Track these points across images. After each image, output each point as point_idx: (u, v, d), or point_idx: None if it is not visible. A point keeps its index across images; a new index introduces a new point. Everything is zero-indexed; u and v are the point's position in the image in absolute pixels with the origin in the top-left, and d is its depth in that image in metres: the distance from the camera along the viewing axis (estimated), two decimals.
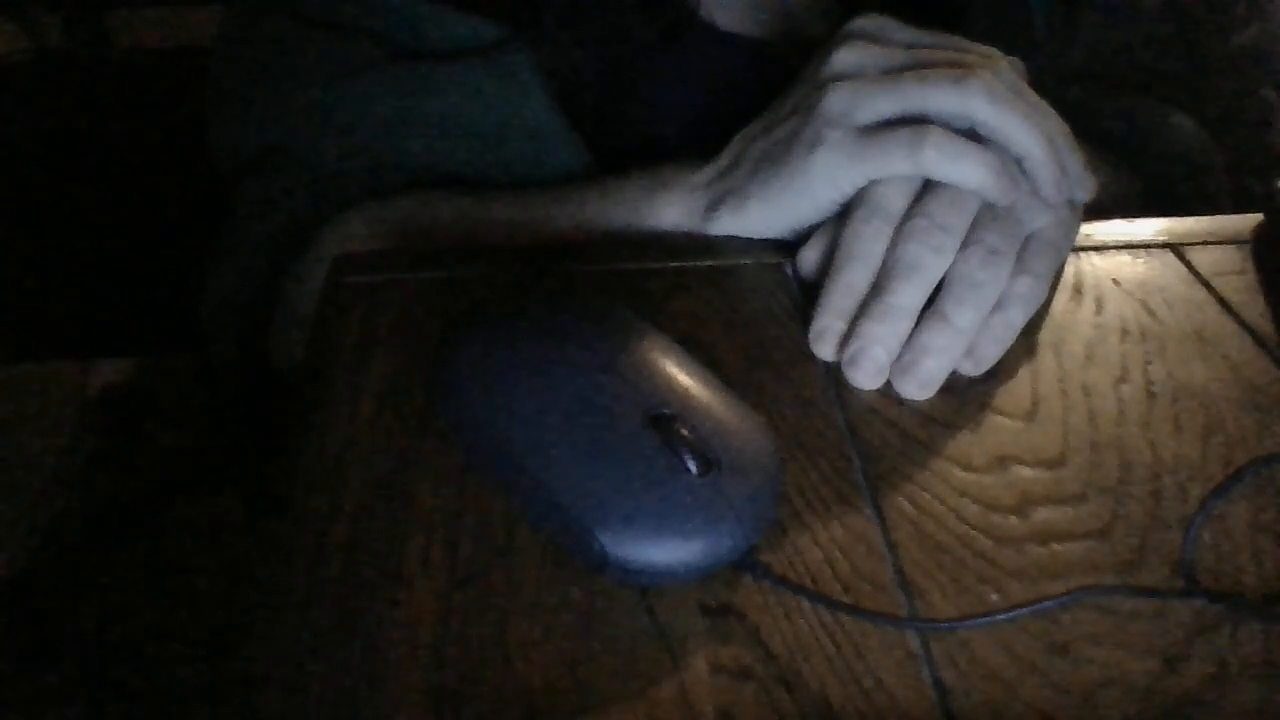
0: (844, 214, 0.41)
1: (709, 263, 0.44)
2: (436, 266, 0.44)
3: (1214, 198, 0.57)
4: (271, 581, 0.31)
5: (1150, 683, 0.29)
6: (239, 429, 0.43)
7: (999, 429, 0.37)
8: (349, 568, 0.31)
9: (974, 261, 0.38)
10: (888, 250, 0.39)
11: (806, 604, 0.30)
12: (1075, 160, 0.41)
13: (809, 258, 0.42)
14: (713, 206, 0.44)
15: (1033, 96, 0.41)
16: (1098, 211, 0.45)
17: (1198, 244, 0.46)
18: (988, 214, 0.39)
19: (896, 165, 0.39)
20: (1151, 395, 0.38)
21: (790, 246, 0.44)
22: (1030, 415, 0.37)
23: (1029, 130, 0.39)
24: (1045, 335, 0.41)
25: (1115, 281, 0.44)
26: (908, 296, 0.38)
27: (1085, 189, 0.42)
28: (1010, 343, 0.39)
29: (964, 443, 0.36)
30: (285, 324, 0.52)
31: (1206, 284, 0.44)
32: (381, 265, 0.44)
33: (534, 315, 0.35)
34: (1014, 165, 0.40)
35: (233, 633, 0.30)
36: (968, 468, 0.35)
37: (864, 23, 0.43)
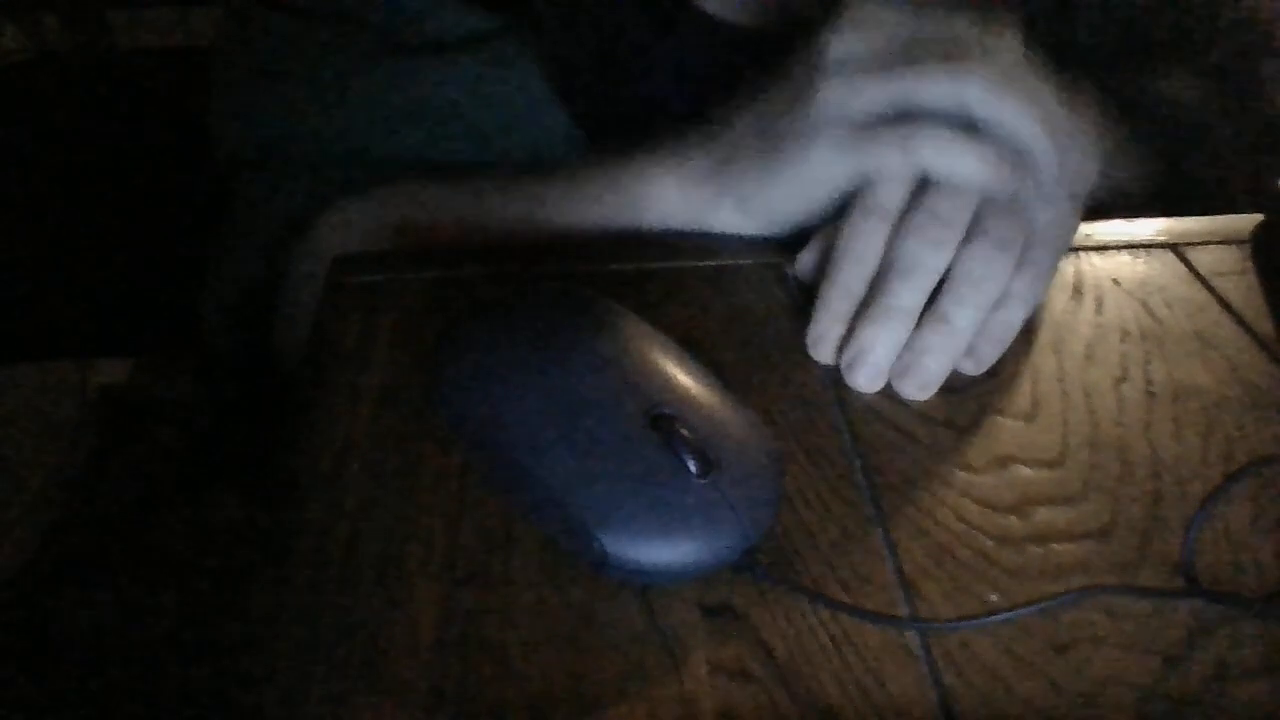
0: (843, 214, 0.40)
1: (708, 263, 0.44)
2: (436, 266, 0.44)
3: (1227, 169, 0.55)
4: (272, 581, 0.31)
5: (1150, 683, 0.29)
6: (239, 428, 0.43)
7: (999, 429, 0.37)
8: (349, 567, 0.31)
9: (978, 256, 0.37)
10: (887, 248, 0.39)
11: (806, 604, 0.30)
12: (1077, 152, 0.40)
13: (806, 260, 0.42)
14: (712, 201, 0.44)
15: (1032, 82, 0.40)
16: (1120, 201, 0.44)
17: (1198, 244, 0.46)
18: (990, 206, 0.38)
19: (891, 161, 0.39)
20: (1151, 395, 0.38)
21: (790, 246, 0.44)
22: (1030, 415, 0.37)
23: (1028, 122, 0.38)
24: (1045, 335, 0.41)
25: (1115, 281, 0.44)
26: (907, 297, 0.37)
27: (1086, 181, 0.41)
28: (1010, 341, 0.39)
29: (964, 443, 0.36)
30: (286, 319, 0.52)
31: (1206, 284, 0.44)
32: (381, 265, 0.44)
33: (534, 315, 0.35)
34: (1015, 156, 0.39)
35: (233, 633, 0.30)
36: (968, 468, 0.35)
37: (858, 8, 0.42)
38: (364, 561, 0.32)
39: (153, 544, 0.33)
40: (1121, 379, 0.39)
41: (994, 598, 0.31)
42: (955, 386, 0.38)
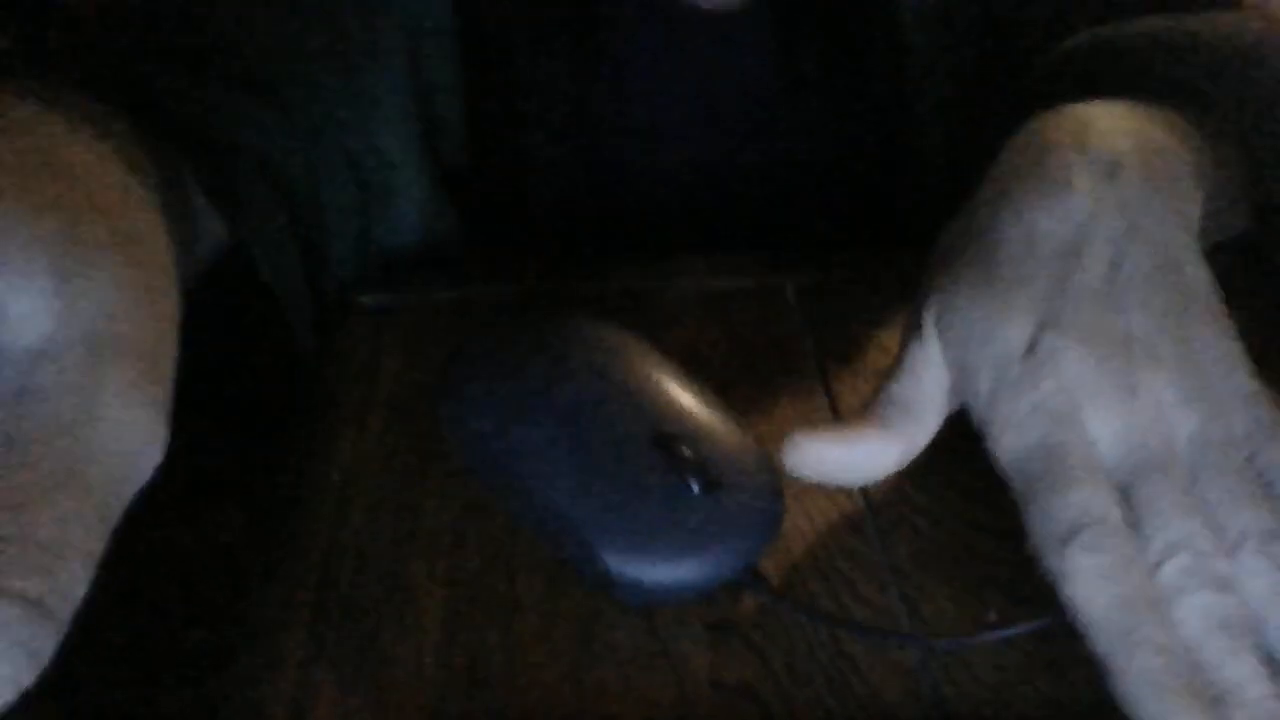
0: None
1: (710, 284, 0.44)
2: (445, 285, 0.44)
3: None
4: (279, 594, 0.31)
5: None
6: (243, 438, 0.43)
7: None
8: (356, 582, 0.32)
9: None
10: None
11: (807, 621, 0.31)
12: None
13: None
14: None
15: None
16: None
17: None
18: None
19: None
20: None
21: (790, 266, 0.44)
22: None
23: None
24: None
25: None
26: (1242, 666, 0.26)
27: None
28: None
29: (965, 463, 0.36)
30: None
31: None
32: (390, 284, 0.44)
33: (539, 337, 0.36)
34: None
35: (236, 646, 0.31)
36: (968, 488, 0.35)
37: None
38: (370, 578, 0.32)
39: (152, 552, 0.33)
40: None
41: (993, 615, 0.31)
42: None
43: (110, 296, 0.25)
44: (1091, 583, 0.27)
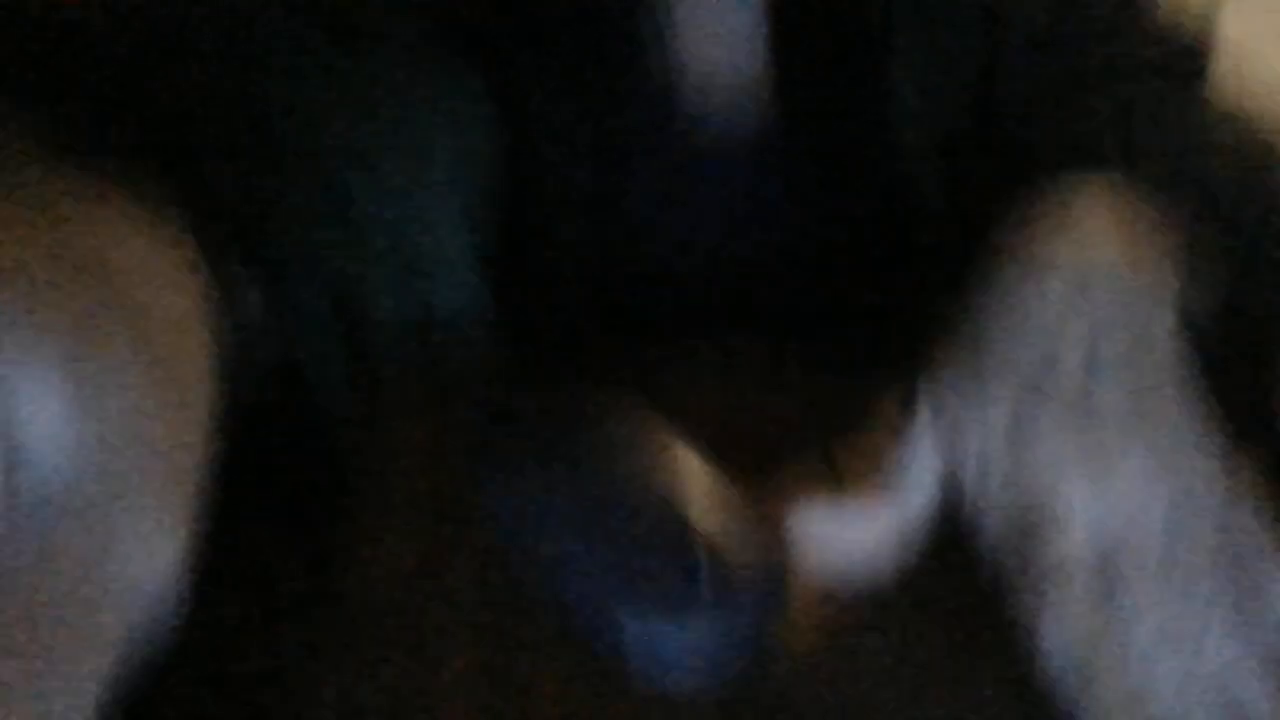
0: None
1: (719, 363, 0.45)
2: (476, 363, 0.45)
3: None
4: (312, 672, 0.33)
5: None
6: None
7: None
8: (378, 640, 0.33)
9: None
10: None
11: (815, 696, 0.32)
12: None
13: None
14: None
15: None
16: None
17: None
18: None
19: None
20: None
21: (794, 346, 0.46)
22: None
23: None
24: None
25: None
26: None
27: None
28: None
29: (962, 540, 0.37)
30: None
31: None
32: (425, 357, 0.45)
33: (563, 415, 0.37)
34: None
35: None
36: (965, 563, 0.36)
37: None
38: (392, 642, 0.33)
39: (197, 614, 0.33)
40: None
41: (990, 690, 0.33)
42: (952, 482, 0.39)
43: (130, 398, 0.25)
44: (1058, 624, 0.30)
